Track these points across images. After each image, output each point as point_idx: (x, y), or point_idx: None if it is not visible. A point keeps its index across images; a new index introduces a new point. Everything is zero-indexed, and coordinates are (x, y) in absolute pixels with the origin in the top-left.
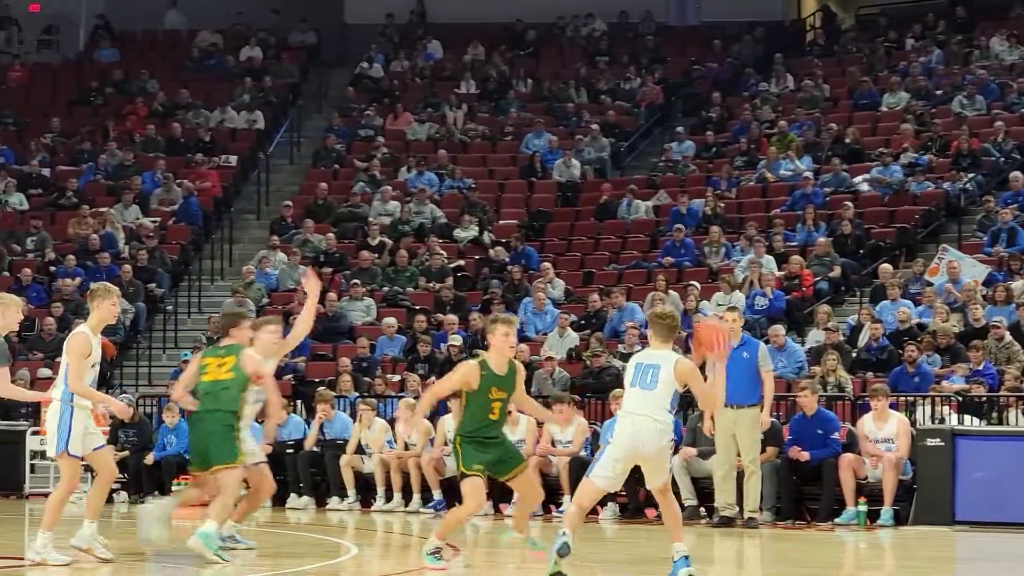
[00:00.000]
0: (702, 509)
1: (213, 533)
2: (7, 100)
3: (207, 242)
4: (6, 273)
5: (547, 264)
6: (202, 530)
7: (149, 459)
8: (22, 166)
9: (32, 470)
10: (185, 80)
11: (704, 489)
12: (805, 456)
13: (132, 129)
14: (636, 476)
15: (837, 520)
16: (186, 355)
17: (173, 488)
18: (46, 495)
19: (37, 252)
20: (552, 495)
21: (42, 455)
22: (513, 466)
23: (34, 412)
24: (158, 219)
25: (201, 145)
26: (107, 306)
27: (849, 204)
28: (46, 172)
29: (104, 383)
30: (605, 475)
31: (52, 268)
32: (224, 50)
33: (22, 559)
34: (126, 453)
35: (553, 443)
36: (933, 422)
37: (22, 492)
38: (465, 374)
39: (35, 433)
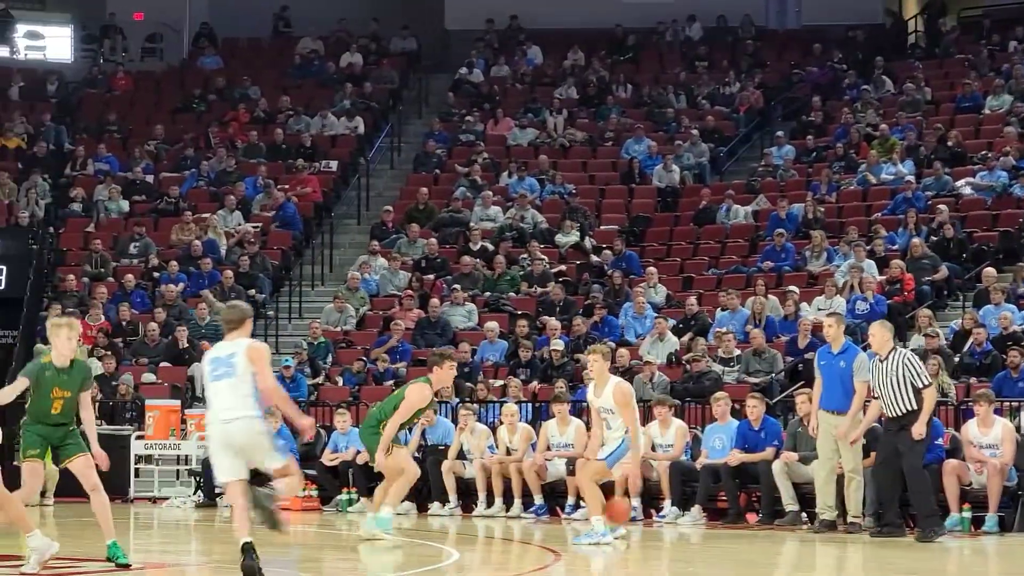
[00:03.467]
0: (803, 515)
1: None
2: (112, 108)
3: (308, 247)
4: (110, 279)
5: (651, 269)
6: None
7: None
8: (126, 173)
9: (136, 474)
10: (286, 87)
11: (806, 495)
12: None
13: (234, 136)
14: (738, 479)
15: None
16: (287, 361)
17: None
18: (151, 499)
19: (141, 258)
20: (653, 499)
21: (147, 459)
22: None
23: (138, 417)
24: (259, 225)
25: (302, 151)
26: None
27: (943, 208)
28: (150, 179)
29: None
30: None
31: (155, 274)
32: (325, 56)
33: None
34: None
35: (654, 447)
36: None
37: (127, 496)
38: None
39: (139, 437)
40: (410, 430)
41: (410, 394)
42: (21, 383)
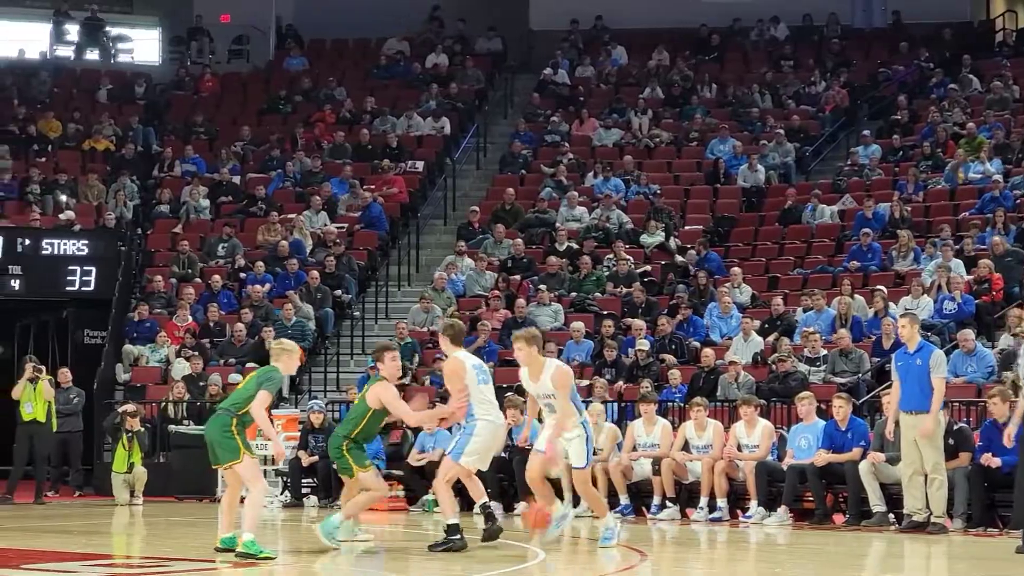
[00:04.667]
0: (891, 515)
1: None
2: (199, 110)
3: (394, 248)
4: (198, 280)
5: (736, 269)
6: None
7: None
8: (213, 174)
9: (224, 487)
10: (372, 87)
11: (893, 495)
12: (996, 463)
13: (320, 136)
14: (824, 480)
15: None
16: (373, 362)
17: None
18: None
19: (227, 259)
20: (738, 500)
21: None
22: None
23: None
24: (345, 225)
25: (388, 151)
26: None
27: None
28: (236, 180)
29: (293, 388)
30: None
31: (242, 274)
32: (410, 57)
33: (214, 561)
34: (316, 459)
35: (740, 447)
36: None
37: (215, 496)
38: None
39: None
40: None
41: (367, 398)
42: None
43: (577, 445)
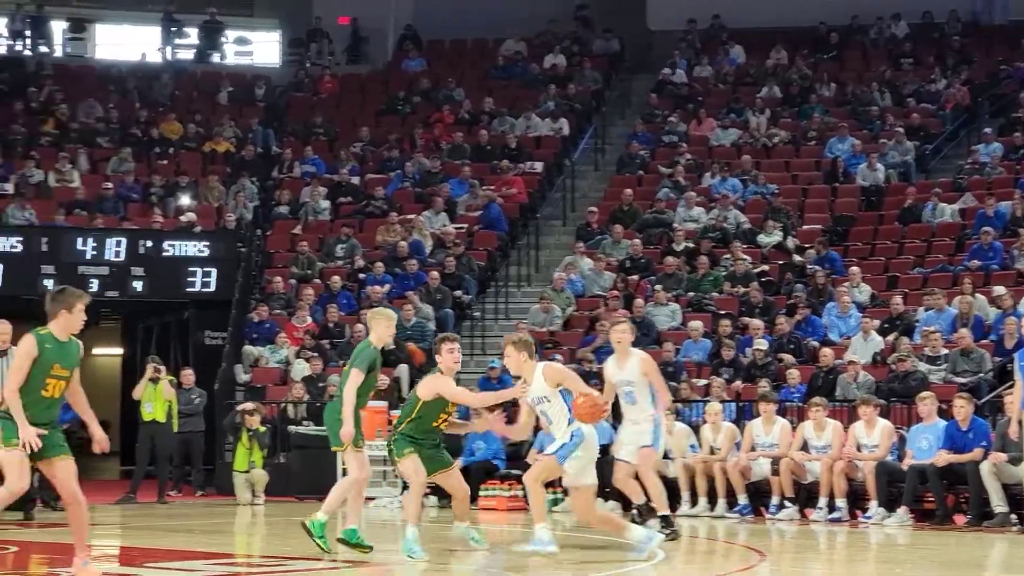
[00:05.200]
0: (1013, 516)
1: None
2: (318, 111)
3: (513, 248)
4: (317, 280)
5: (854, 269)
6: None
7: (457, 464)
8: (332, 175)
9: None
10: (490, 88)
11: (1016, 496)
12: None
13: (439, 137)
14: (945, 480)
15: None
16: (494, 362)
17: (481, 494)
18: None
19: (347, 259)
20: (858, 500)
21: None
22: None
23: None
24: (465, 226)
25: (507, 152)
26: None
27: None
28: (355, 180)
29: (413, 389)
30: None
31: (361, 275)
32: (528, 58)
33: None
34: None
35: (860, 448)
36: None
37: None
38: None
39: None
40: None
41: (418, 390)
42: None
43: (561, 437)
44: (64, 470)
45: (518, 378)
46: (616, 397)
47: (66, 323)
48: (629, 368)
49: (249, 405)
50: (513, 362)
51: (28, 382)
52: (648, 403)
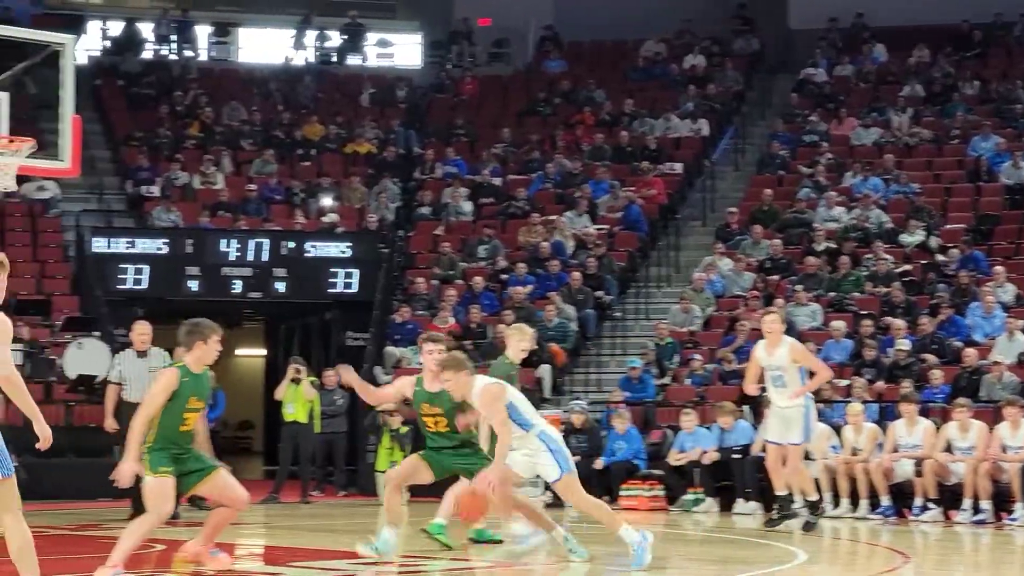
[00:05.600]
0: None
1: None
2: (460, 112)
3: (653, 249)
4: (459, 281)
5: (999, 268)
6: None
7: (598, 464)
8: (474, 176)
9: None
10: (630, 89)
11: None
12: None
13: (579, 138)
14: None
15: None
16: (634, 362)
17: (621, 493)
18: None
19: (489, 260)
20: (1003, 501)
21: None
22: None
23: None
24: (606, 227)
25: (647, 153)
26: None
27: None
28: (497, 181)
29: (554, 389)
30: None
31: (503, 276)
32: (668, 59)
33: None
34: (577, 458)
35: (1004, 449)
36: None
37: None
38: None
39: None
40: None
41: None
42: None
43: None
44: (220, 483)
45: (663, 375)
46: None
47: (201, 355)
48: (779, 355)
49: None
50: (452, 386)
51: (168, 417)
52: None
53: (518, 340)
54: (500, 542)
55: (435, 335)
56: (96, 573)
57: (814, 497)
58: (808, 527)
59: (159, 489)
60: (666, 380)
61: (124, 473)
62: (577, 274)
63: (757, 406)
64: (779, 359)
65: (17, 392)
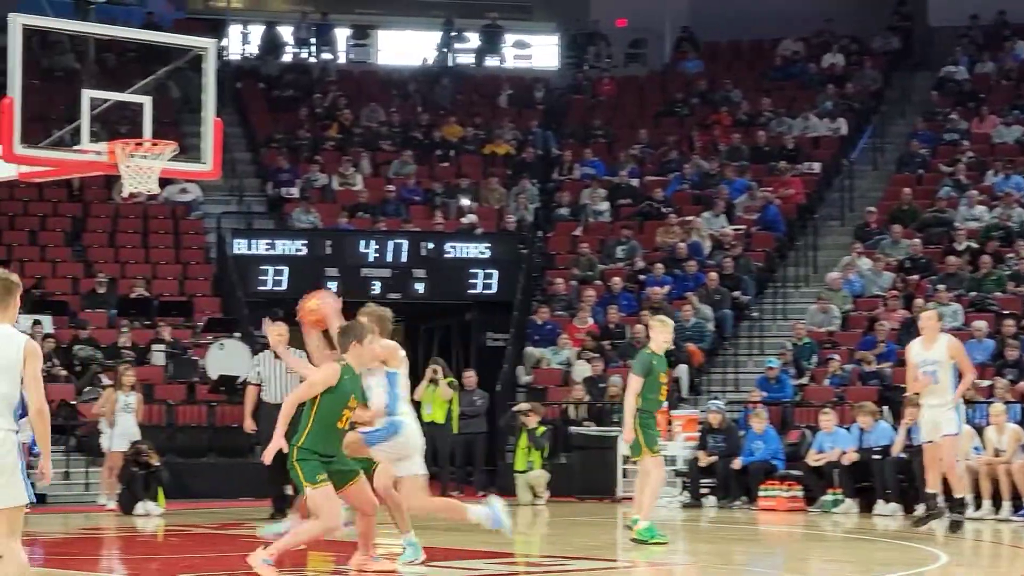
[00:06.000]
0: None
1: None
2: (597, 113)
3: (791, 249)
4: (598, 281)
5: None
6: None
7: (737, 464)
8: (611, 177)
9: (624, 475)
10: (768, 89)
11: None
12: None
13: (717, 138)
14: None
15: None
16: (771, 362)
17: (760, 494)
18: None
19: (627, 261)
20: None
21: (633, 460)
22: None
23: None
24: (743, 227)
25: (784, 153)
26: None
27: None
28: (634, 182)
29: (692, 389)
30: None
31: (641, 276)
32: (806, 58)
33: (615, 560)
34: (715, 458)
35: None
36: None
37: (614, 496)
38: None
39: None
40: None
41: None
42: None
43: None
44: (359, 488)
45: (801, 376)
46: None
47: (358, 355)
48: (937, 349)
49: (525, 405)
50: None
51: (327, 412)
52: (951, 385)
53: (660, 332)
54: (665, 543)
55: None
56: (250, 557)
57: (962, 494)
58: (955, 527)
59: (325, 499)
60: (804, 380)
61: (268, 452)
62: (714, 274)
63: (897, 406)
64: (936, 354)
65: (44, 427)
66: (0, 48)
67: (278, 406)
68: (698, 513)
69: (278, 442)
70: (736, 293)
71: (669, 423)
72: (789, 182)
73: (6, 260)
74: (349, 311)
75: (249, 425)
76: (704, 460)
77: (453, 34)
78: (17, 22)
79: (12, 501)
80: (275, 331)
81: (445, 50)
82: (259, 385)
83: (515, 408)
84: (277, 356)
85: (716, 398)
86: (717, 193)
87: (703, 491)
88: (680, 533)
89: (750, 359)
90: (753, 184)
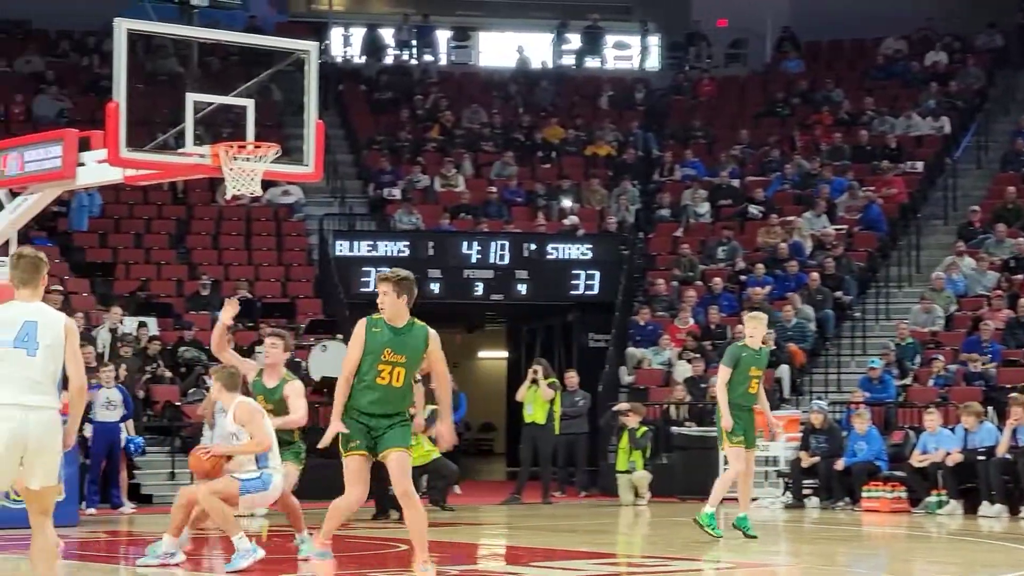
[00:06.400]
0: None
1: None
2: (698, 114)
3: (894, 248)
4: (699, 282)
5: None
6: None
7: (839, 465)
8: (712, 177)
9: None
10: (870, 88)
11: None
12: None
13: (818, 138)
14: None
15: None
16: (874, 362)
17: (863, 495)
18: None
19: (727, 261)
20: None
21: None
22: None
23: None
24: (844, 227)
25: (887, 152)
26: None
27: None
28: (735, 183)
29: (793, 389)
30: None
31: (742, 277)
32: (908, 56)
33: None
34: (817, 459)
35: None
36: None
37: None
38: None
39: None
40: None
41: None
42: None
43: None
44: (395, 464)
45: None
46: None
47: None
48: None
49: (624, 405)
50: (217, 394)
51: (359, 369)
52: None
53: (751, 326)
54: (755, 537)
55: (278, 331)
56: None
57: None
58: None
59: (350, 469)
60: (907, 380)
61: (327, 437)
62: (815, 274)
63: (1003, 407)
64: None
65: (81, 404)
66: (106, 53)
67: None
68: (800, 514)
69: (336, 426)
70: (838, 293)
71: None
72: (891, 181)
73: (112, 263)
74: (453, 313)
75: None
76: (806, 461)
77: (554, 36)
78: (122, 27)
79: (47, 482)
80: None
81: (546, 52)
82: None
83: (615, 408)
84: None
85: (820, 398)
86: (818, 193)
87: (805, 492)
88: (782, 534)
89: (852, 359)
90: (855, 183)
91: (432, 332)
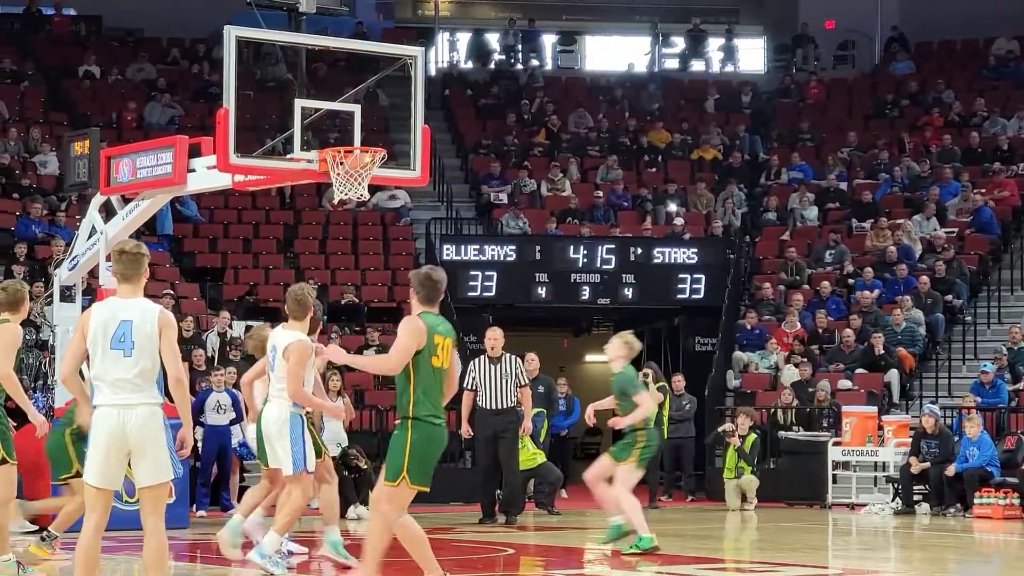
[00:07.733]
0: None
1: None
2: (805, 116)
3: (1006, 252)
4: (806, 286)
5: None
6: None
7: (950, 471)
8: (820, 180)
9: (834, 480)
10: (981, 89)
11: None
12: None
13: (928, 140)
14: None
15: None
16: (986, 366)
17: (975, 502)
18: (849, 506)
19: (835, 265)
20: None
21: (843, 466)
22: None
23: (835, 423)
24: (955, 230)
25: (998, 154)
26: None
27: None
28: (843, 186)
29: (903, 394)
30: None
31: (850, 281)
32: (1021, 56)
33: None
34: (927, 465)
35: None
36: None
37: (824, 502)
38: None
39: (836, 444)
40: None
41: None
42: None
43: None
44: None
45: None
46: None
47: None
48: None
49: (728, 426)
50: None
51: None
52: None
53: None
54: None
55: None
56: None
57: None
58: None
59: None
60: (1020, 386)
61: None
62: (925, 278)
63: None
64: None
65: (183, 395)
66: (216, 60)
67: (493, 411)
68: (911, 520)
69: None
70: (948, 297)
71: (880, 429)
72: (1003, 183)
73: (221, 267)
74: (560, 317)
75: (466, 430)
76: (916, 466)
77: (660, 39)
78: (232, 35)
79: (157, 478)
80: (491, 336)
81: (652, 56)
82: (474, 391)
83: (720, 429)
84: (491, 361)
85: (934, 402)
86: (928, 195)
87: (916, 498)
88: (892, 540)
89: (963, 364)
90: (966, 186)
91: None
